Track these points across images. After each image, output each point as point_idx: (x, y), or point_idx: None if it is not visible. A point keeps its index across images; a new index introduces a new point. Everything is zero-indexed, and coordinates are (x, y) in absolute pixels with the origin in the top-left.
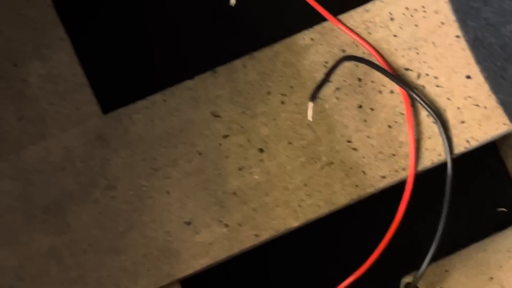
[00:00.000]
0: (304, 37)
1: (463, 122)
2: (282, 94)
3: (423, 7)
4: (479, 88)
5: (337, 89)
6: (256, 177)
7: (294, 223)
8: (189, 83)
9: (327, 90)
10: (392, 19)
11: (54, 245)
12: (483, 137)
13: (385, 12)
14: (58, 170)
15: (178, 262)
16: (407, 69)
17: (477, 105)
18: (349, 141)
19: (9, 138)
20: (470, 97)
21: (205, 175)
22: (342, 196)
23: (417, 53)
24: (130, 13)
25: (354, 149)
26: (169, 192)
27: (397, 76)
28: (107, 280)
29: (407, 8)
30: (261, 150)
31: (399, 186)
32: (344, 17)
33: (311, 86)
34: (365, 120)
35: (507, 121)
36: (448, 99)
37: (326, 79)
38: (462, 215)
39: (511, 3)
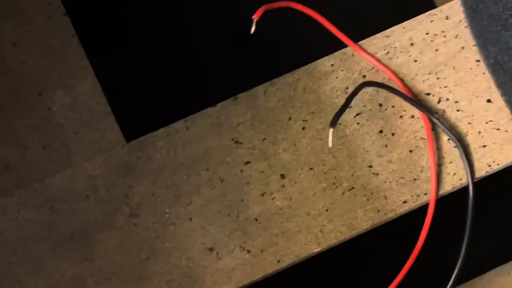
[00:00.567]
0: (325, 63)
1: (484, 146)
2: (303, 120)
3: (443, 31)
4: (500, 112)
5: (358, 114)
6: (278, 203)
7: (316, 249)
8: (211, 110)
9: (348, 116)
10: (412, 44)
11: (78, 273)
12: (505, 160)
13: (405, 37)
14: (83, 199)
15: None
16: (427, 94)
17: (498, 129)
18: (370, 166)
19: (34, 167)
20: (491, 121)
21: (227, 202)
22: (364, 221)
23: (438, 78)
24: (152, 41)
25: (375, 174)
26: (192, 218)
27: (417, 101)
28: None
29: (427, 33)
30: (282, 176)
31: (421, 211)
32: (364, 43)
33: (331, 112)
34: (386, 145)
35: None
36: (469, 123)
37: (346, 105)
38: (484, 239)
39: None
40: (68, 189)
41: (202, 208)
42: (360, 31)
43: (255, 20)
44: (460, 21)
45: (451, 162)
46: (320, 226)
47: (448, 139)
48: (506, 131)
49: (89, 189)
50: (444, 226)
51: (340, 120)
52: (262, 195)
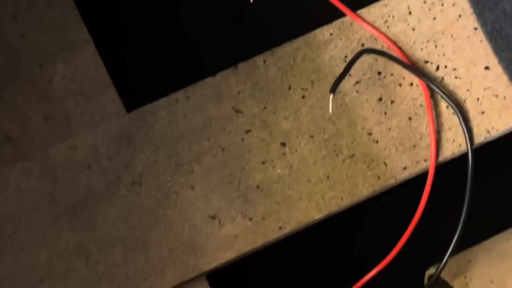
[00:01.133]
0: (324, 33)
1: (482, 112)
2: (302, 89)
3: (441, 0)
4: (498, 78)
5: (357, 82)
6: (279, 170)
7: (317, 215)
8: (211, 80)
9: (347, 84)
10: (410, 12)
11: (81, 242)
12: (503, 127)
13: (403, 6)
14: (85, 168)
15: (203, 255)
16: (426, 62)
17: (496, 96)
18: (370, 134)
19: (36, 138)
20: (489, 87)
21: (228, 170)
22: (364, 188)
23: (436, 46)
24: (151, 12)
25: (375, 141)
26: (194, 187)
27: (416, 68)
28: (134, 275)
29: (424, 2)
30: (283, 144)
31: (421, 178)
32: (363, 12)
33: (331, 80)
34: (385, 113)
35: None
36: (468, 90)
37: (346, 71)
38: (484, 205)
39: None
40: (70, 159)
41: (203, 176)
42: (359, 0)
43: None
44: None
45: (450, 129)
46: (321, 193)
47: (447, 106)
48: (504, 97)
49: (91, 159)
50: (444, 193)
51: (339, 89)
52: (263, 163)
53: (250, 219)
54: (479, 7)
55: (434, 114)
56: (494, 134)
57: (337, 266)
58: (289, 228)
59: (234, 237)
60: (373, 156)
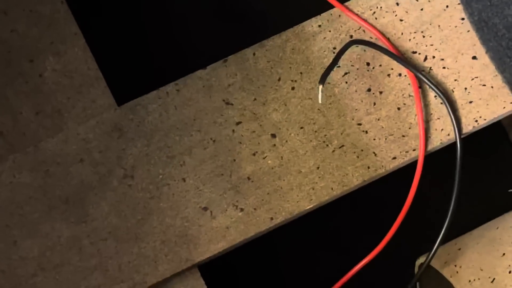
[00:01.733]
0: (312, 25)
1: (470, 102)
2: (292, 81)
3: None
4: (485, 68)
5: (346, 73)
6: (270, 162)
7: (308, 206)
8: (201, 72)
9: (337, 75)
10: (397, 3)
11: (74, 234)
12: (491, 116)
13: None
14: (76, 162)
15: (196, 247)
16: (414, 52)
17: (484, 85)
18: (359, 124)
19: (27, 132)
20: (476, 77)
21: (219, 162)
22: (354, 177)
23: (423, 36)
24: (141, 6)
25: (365, 131)
26: (185, 179)
27: (404, 59)
28: (127, 266)
29: None
30: (273, 136)
31: (410, 167)
32: (351, 3)
33: (320, 71)
34: (374, 103)
35: None
36: (455, 80)
37: (335, 62)
38: (474, 195)
39: None
40: (62, 153)
41: (195, 168)
42: None
43: None
44: None
45: (438, 119)
46: (311, 184)
47: (435, 96)
48: (492, 87)
49: (83, 152)
50: (433, 182)
51: (328, 80)
52: (254, 154)
53: (242, 210)
54: None
55: (422, 104)
56: (482, 123)
57: (328, 255)
58: (280, 218)
59: (226, 228)
60: (362, 146)
